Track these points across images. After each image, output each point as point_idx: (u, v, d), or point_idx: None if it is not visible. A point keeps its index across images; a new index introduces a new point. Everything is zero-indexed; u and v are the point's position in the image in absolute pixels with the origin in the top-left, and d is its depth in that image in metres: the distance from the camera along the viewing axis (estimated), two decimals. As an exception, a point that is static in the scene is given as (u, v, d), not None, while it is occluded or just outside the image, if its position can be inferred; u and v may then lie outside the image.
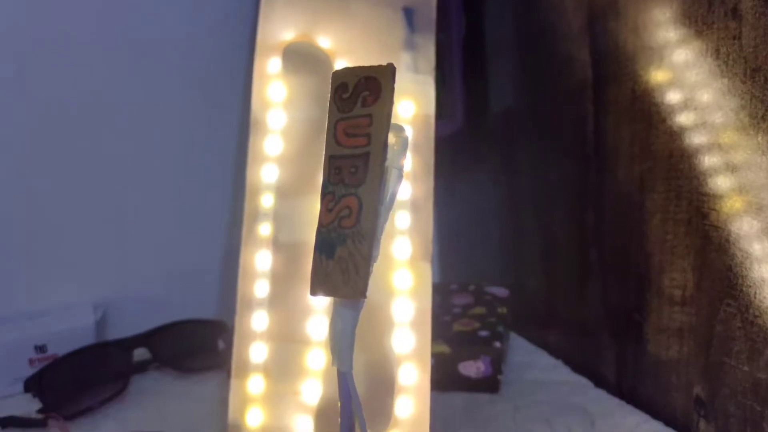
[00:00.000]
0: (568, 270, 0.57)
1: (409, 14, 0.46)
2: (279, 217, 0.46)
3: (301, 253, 0.45)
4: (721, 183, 0.40)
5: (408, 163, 0.45)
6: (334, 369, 0.27)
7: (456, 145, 0.66)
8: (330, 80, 0.27)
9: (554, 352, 0.59)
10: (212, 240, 0.67)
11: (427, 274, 0.44)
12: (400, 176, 0.27)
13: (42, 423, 0.49)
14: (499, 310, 0.60)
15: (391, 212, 0.44)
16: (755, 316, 0.38)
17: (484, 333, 0.56)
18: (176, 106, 0.65)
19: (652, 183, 0.46)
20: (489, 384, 0.52)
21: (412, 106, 0.46)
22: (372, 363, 0.43)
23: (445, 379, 0.52)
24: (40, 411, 0.50)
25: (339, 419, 0.28)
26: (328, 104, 0.26)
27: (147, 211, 0.65)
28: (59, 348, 0.56)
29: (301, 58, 0.47)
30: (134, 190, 0.65)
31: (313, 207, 0.26)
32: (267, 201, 0.46)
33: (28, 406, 0.51)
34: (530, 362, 0.57)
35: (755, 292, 0.38)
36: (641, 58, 0.46)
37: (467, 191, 0.73)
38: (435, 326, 0.44)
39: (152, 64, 0.63)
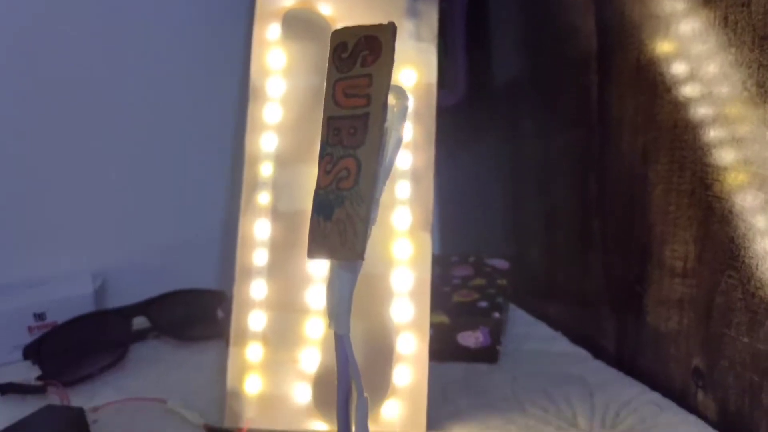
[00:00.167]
0: (569, 241, 0.57)
1: (411, -20, 0.45)
2: (278, 186, 0.45)
3: (300, 222, 0.44)
4: (725, 154, 0.40)
5: (409, 132, 0.45)
6: (333, 337, 0.27)
7: (458, 115, 0.66)
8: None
9: (554, 323, 0.59)
10: (212, 209, 0.66)
11: (427, 244, 0.44)
12: (399, 141, 0.26)
13: (41, 390, 0.49)
14: (499, 281, 0.60)
15: (392, 182, 0.44)
16: (757, 288, 0.38)
17: (483, 304, 0.56)
18: (175, 75, 0.64)
19: (655, 154, 0.45)
20: (488, 354, 0.53)
21: (413, 75, 0.45)
22: (371, 332, 0.43)
23: (444, 349, 0.52)
24: (39, 378, 0.50)
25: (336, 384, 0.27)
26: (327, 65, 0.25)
27: (146, 181, 0.65)
28: (58, 316, 0.56)
29: (301, 25, 0.46)
30: (133, 160, 0.64)
31: (312, 176, 0.25)
32: (266, 170, 0.45)
33: (28, 374, 0.51)
34: (529, 333, 0.57)
35: (757, 264, 0.38)
36: (647, 27, 0.45)
37: (468, 161, 0.72)
38: (434, 297, 0.44)
39: (151, 33, 0.63)
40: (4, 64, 0.58)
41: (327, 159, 0.25)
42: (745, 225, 0.39)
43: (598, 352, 0.53)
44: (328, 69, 0.25)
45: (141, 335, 0.58)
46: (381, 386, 0.43)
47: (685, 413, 0.43)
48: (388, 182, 0.26)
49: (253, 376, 0.44)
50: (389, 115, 0.24)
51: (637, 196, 0.47)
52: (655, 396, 0.45)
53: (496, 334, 0.53)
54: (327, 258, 0.25)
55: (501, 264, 0.63)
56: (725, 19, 0.38)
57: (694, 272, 0.43)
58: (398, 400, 0.43)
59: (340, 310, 0.25)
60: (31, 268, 0.62)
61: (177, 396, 0.47)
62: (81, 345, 0.54)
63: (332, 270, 0.25)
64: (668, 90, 0.43)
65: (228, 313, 0.45)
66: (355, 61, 0.24)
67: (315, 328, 0.44)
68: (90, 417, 0.44)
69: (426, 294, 0.44)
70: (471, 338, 0.53)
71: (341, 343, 0.26)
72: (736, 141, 0.39)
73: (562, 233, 0.58)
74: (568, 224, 0.57)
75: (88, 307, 0.58)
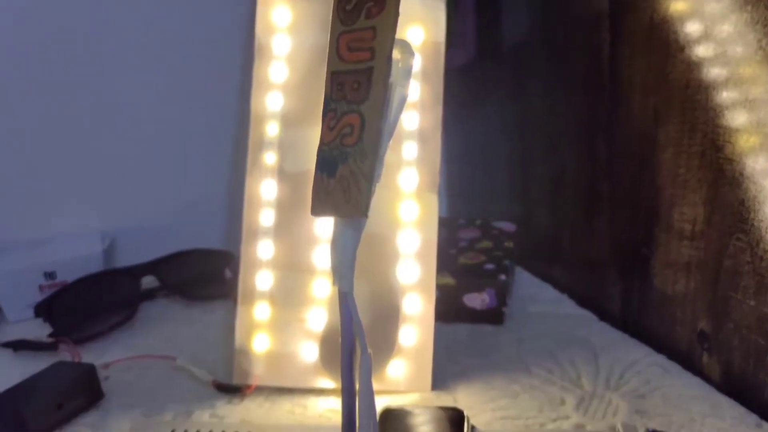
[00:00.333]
0: (576, 203, 0.57)
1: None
2: (284, 146, 0.45)
3: (307, 182, 0.43)
4: (738, 116, 0.39)
5: (416, 91, 0.44)
6: (338, 296, 0.27)
7: (466, 75, 0.65)
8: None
9: (560, 286, 0.59)
10: (220, 170, 0.66)
11: (433, 205, 0.44)
12: (404, 98, 0.26)
13: (52, 347, 0.50)
14: (506, 244, 0.60)
15: (399, 142, 0.44)
16: (765, 251, 0.38)
17: (489, 266, 0.56)
18: (181, 34, 0.63)
19: (666, 115, 0.45)
20: (493, 316, 0.53)
21: (421, 33, 0.44)
22: (378, 293, 0.43)
23: (450, 310, 0.52)
24: (50, 335, 0.51)
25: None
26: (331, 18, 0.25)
27: (154, 141, 0.65)
28: (68, 275, 0.57)
29: (308, -19, 0.45)
30: (141, 120, 0.64)
31: (318, 136, 0.25)
32: (272, 129, 0.45)
33: (39, 331, 0.52)
34: (535, 295, 0.58)
35: (766, 227, 0.37)
36: (662, -17, 0.44)
37: (476, 122, 0.71)
38: (441, 259, 0.44)
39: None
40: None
41: (330, 115, 0.24)
42: (755, 187, 0.38)
43: (603, 315, 0.53)
44: (332, 22, 0.25)
45: (150, 294, 0.59)
46: (387, 346, 0.43)
47: (689, 375, 0.43)
48: (394, 143, 0.26)
49: (260, 335, 0.44)
50: (394, 70, 0.24)
51: (647, 158, 0.47)
52: (660, 358, 0.46)
53: (502, 295, 0.53)
54: (331, 215, 0.25)
55: (508, 227, 0.62)
56: (742, -25, 0.37)
57: (703, 235, 0.43)
58: (404, 360, 0.43)
59: (344, 268, 0.25)
60: (41, 228, 0.63)
61: (186, 354, 0.48)
62: (91, 303, 0.54)
63: (336, 227, 0.25)
64: (681, 49, 0.42)
65: (235, 272, 0.46)
66: (360, 12, 0.24)
67: (321, 287, 0.44)
68: (101, 374, 0.45)
69: (432, 255, 0.44)
70: (477, 300, 0.53)
71: (345, 300, 0.26)
72: (749, 102, 0.38)
73: (570, 195, 0.58)
74: (576, 186, 0.56)
75: (97, 267, 0.59)
